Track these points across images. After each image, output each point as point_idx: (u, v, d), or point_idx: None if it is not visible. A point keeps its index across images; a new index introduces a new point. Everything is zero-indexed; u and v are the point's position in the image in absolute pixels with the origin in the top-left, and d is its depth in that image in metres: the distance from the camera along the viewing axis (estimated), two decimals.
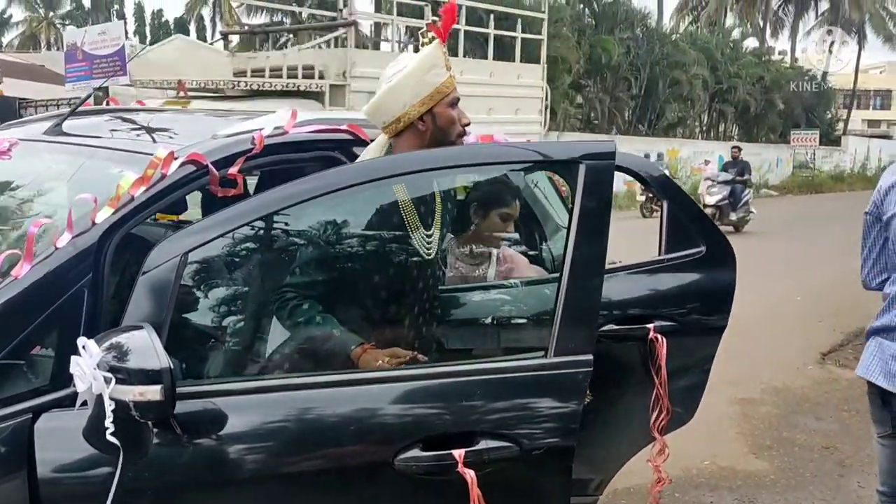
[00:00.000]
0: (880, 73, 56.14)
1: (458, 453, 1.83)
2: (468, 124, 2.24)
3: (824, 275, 10.79)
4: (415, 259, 2.19)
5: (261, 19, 32.28)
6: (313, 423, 1.86)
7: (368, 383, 1.93)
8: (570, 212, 2.14)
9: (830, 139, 38.91)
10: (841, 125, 43.08)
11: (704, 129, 34.96)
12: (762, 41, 41.49)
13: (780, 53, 43.55)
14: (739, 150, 18.11)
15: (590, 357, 2.03)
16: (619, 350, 2.41)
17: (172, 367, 1.54)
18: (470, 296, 2.60)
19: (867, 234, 2.66)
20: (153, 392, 1.51)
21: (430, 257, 2.19)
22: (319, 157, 2.43)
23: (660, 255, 2.49)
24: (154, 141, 2.41)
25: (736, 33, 38.46)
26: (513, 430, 1.94)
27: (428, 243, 2.19)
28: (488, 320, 2.51)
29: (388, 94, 2.16)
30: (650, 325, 2.37)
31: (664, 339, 2.36)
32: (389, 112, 2.17)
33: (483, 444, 1.88)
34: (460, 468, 1.82)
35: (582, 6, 29.92)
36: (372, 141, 2.43)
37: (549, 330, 2.04)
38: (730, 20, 41.59)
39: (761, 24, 42.40)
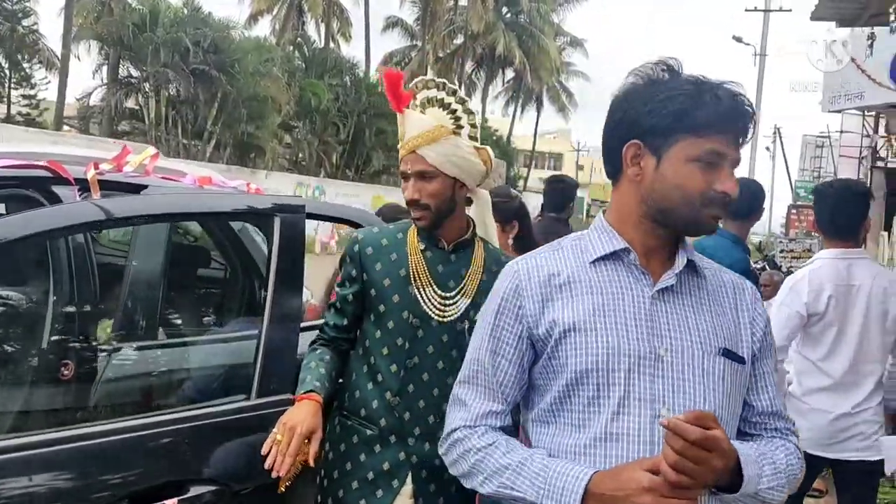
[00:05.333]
0: (553, 137, 64.03)
1: (171, 503, 1.80)
2: (407, 200, 2.06)
3: None
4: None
5: None
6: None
7: (58, 444, 1.76)
8: (268, 262, 2.16)
9: None
10: (522, 182, 48.21)
11: None
12: None
13: None
14: None
15: (290, 395, 2.06)
16: None
17: None
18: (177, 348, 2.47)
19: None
20: None
21: (442, 320, 2.01)
22: (11, 196, 2.17)
23: None
24: None
25: None
26: (222, 473, 1.93)
27: (443, 304, 2.01)
28: (194, 371, 2.40)
29: None
30: None
31: None
32: None
33: (194, 491, 1.85)
34: None
35: (292, 48, 30.24)
36: (75, 179, 2.34)
37: (251, 374, 2.06)
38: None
39: (457, 84, 46.11)
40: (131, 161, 2.85)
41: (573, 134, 64.15)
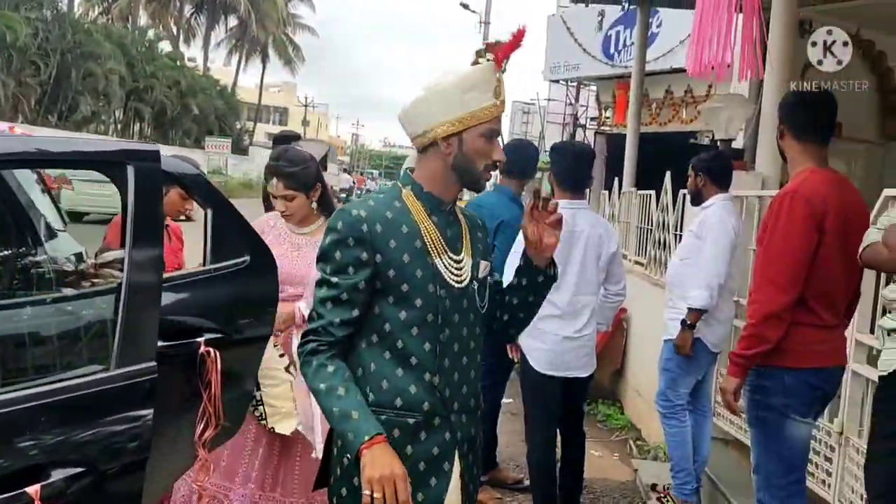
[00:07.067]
0: (279, 91, 62.56)
1: (34, 490, 1.62)
2: (500, 161, 1.93)
3: None
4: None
5: None
6: None
7: None
8: (124, 219, 1.97)
9: (240, 148, 41.87)
10: (248, 136, 46.66)
11: (120, 126, 33.91)
12: (176, 46, 42.18)
13: (189, 60, 44.84)
14: None
15: (153, 364, 1.95)
16: (166, 367, 2.23)
17: None
18: (23, 312, 2.12)
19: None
20: None
21: (460, 285, 1.91)
22: None
23: (204, 264, 2.39)
24: None
25: (151, 34, 38.26)
26: (86, 453, 1.77)
27: (458, 269, 1.90)
28: (46, 337, 2.09)
29: (419, 103, 1.88)
30: (200, 339, 2.27)
31: (216, 352, 2.28)
32: (416, 123, 1.89)
33: (58, 475, 1.69)
34: None
35: None
36: None
37: (110, 341, 1.89)
38: (144, 19, 41.23)
39: (175, 29, 43.08)
40: None
41: (299, 88, 63.27)
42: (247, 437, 3.06)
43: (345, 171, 41.35)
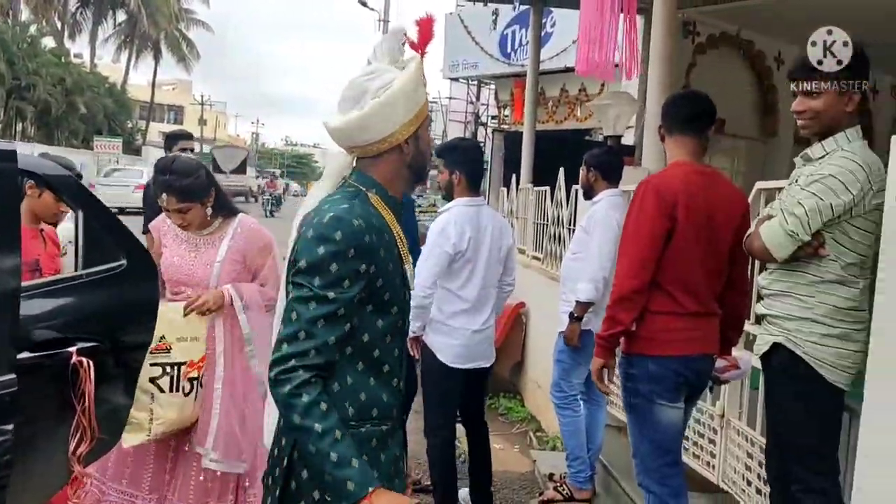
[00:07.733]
0: (173, 89, 60.38)
1: None
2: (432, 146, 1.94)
3: None
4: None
5: None
6: None
7: None
8: None
9: (132, 148, 40.19)
10: (141, 136, 44.85)
11: (1, 126, 31.98)
12: (60, 42, 40.14)
13: (76, 57, 42.73)
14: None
15: (13, 376, 1.85)
16: (33, 379, 2.10)
17: None
18: None
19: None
20: None
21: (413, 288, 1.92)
22: None
23: (77, 270, 2.26)
24: None
25: (33, 29, 36.25)
26: None
27: (412, 274, 1.91)
28: None
29: (380, 109, 1.75)
30: (72, 349, 2.15)
31: (90, 362, 2.16)
32: (376, 130, 1.78)
33: None
34: None
35: None
36: None
37: None
38: (25, 14, 39.02)
39: (59, 24, 40.98)
40: None
41: (195, 86, 61.22)
42: (149, 444, 2.99)
43: (274, 175, 39.62)
